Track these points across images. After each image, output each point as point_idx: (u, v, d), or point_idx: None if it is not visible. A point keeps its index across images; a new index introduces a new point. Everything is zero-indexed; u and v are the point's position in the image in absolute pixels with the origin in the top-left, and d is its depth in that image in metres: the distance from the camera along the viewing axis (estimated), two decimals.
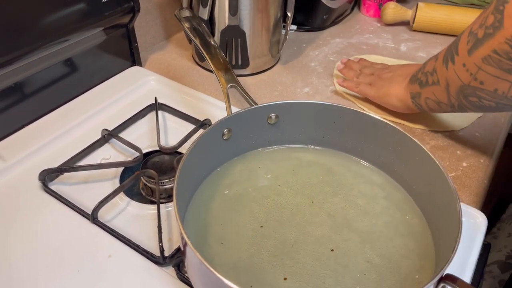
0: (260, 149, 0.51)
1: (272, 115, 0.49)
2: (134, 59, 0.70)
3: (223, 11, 0.63)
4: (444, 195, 0.39)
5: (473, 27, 0.42)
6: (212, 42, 0.54)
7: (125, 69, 0.69)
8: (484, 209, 0.53)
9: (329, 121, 0.49)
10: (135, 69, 0.70)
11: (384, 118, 0.46)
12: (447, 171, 0.40)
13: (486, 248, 0.48)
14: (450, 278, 0.32)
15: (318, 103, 0.48)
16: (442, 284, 0.33)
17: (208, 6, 0.62)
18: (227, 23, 0.64)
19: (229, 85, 0.50)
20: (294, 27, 0.83)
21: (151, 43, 0.77)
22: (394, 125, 0.45)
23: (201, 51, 0.53)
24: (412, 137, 0.43)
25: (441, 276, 0.32)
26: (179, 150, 0.56)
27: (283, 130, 0.50)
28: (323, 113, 0.49)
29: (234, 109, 0.49)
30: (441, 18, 0.83)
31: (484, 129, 0.61)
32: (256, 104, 0.48)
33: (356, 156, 0.50)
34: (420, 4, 0.84)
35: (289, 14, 0.69)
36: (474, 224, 0.47)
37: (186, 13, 0.56)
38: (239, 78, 0.70)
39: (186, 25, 0.56)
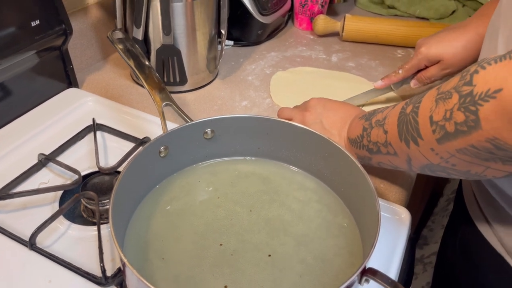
0: (199, 164, 0.53)
1: (208, 130, 0.50)
2: (70, 81, 0.70)
3: (157, 31, 0.64)
4: (367, 195, 0.43)
5: (435, 116, 0.38)
6: (146, 63, 0.56)
7: (61, 91, 0.69)
8: (418, 204, 0.57)
9: (262, 133, 0.52)
10: (71, 91, 0.69)
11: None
12: (368, 174, 0.44)
13: (413, 242, 0.52)
14: (370, 272, 0.35)
15: (250, 116, 0.51)
16: (364, 277, 0.36)
17: (142, 27, 0.64)
18: (162, 43, 0.65)
19: (164, 103, 0.51)
20: (231, 42, 0.86)
21: (88, 64, 0.77)
22: (320, 134, 0.48)
23: (135, 72, 0.54)
24: (336, 143, 0.47)
25: (363, 270, 0.35)
26: (119, 169, 0.56)
27: (220, 144, 0.52)
28: (256, 126, 0.51)
29: (173, 125, 0.50)
30: (367, 28, 0.89)
31: None
32: (191, 120, 0.50)
33: (290, 164, 0.53)
34: (347, 15, 0.90)
35: (222, 31, 0.72)
36: (398, 220, 0.51)
37: (119, 34, 0.57)
38: (178, 95, 0.72)
39: (120, 46, 0.57)
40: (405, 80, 0.68)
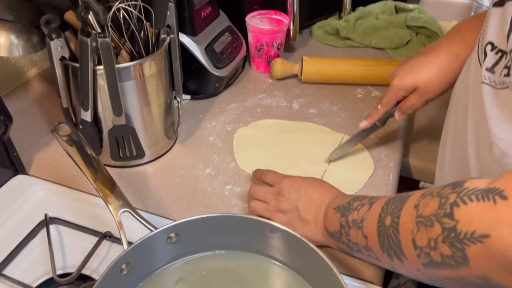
0: (164, 267, 0.49)
1: (172, 235, 0.47)
2: (16, 168, 0.64)
3: (108, 112, 0.60)
4: None
5: (418, 241, 0.36)
6: (95, 156, 0.51)
7: (7, 180, 0.63)
8: None
9: (229, 228, 0.49)
10: (18, 179, 0.64)
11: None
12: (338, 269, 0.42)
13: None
14: None
15: (217, 216, 0.48)
16: None
17: (90, 109, 0.59)
18: (113, 124, 0.61)
19: (121, 211, 0.47)
20: (188, 97, 0.83)
21: (35, 140, 0.71)
22: (289, 230, 0.46)
23: (82, 170, 0.49)
24: (305, 240, 0.45)
25: None
26: (83, 272, 0.52)
27: (186, 244, 0.49)
28: (223, 223, 0.48)
29: (132, 227, 0.46)
30: (325, 69, 0.87)
31: (377, 189, 0.65)
32: (154, 227, 0.46)
33: (262, 255, 0.51)
34: (304, 57, 0.88)
35: (178, 99, 0.68)
36: None
37: (65, 128, 0.53)
38: (137, 169, 0.68)
39: (64, 138, 0.52)
40: (389, 113, 0.65)
